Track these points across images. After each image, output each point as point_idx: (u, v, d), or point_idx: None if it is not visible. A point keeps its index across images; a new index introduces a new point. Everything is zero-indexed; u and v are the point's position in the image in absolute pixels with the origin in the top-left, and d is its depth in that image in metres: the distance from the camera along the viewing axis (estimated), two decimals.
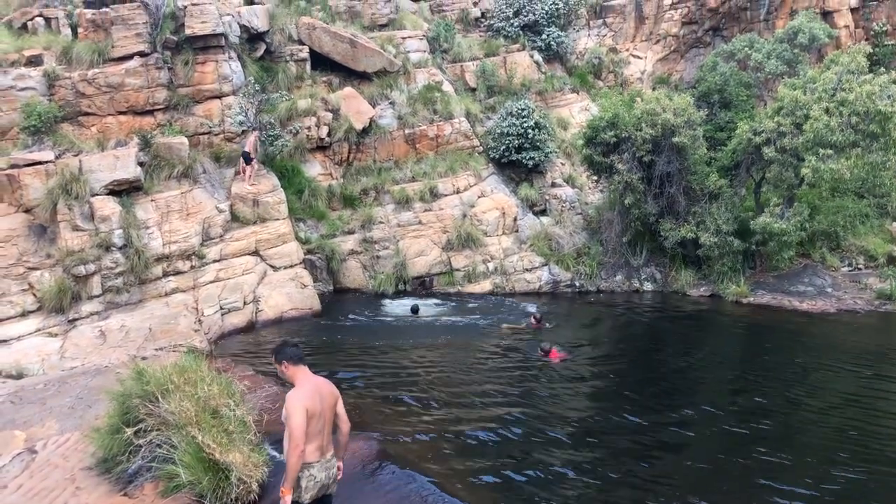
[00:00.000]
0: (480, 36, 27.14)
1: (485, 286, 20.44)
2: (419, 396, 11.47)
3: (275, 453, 8.56)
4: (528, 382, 12.56)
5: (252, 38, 21.86)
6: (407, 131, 22.71)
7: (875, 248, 20.48)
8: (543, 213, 22.50)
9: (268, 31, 22.22)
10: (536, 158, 22.73)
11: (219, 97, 20.18)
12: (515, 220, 21.74)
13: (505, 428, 10.06)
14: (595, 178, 22.58)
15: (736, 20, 28.75)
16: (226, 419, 8.20)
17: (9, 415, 10.61)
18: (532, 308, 17.91)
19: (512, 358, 14.19)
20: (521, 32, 26.59)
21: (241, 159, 19.32)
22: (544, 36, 26.68)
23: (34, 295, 15.81)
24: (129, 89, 19.08)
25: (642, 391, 12.30)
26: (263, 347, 15.40)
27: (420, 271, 20.54)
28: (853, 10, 27.56)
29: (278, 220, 19.08)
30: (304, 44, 22.98)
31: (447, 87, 24.14)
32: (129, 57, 19.30)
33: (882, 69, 19.64)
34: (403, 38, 24.55)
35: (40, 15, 20.34)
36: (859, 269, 20.35)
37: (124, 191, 17.38)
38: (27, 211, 16.76)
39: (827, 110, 17.92)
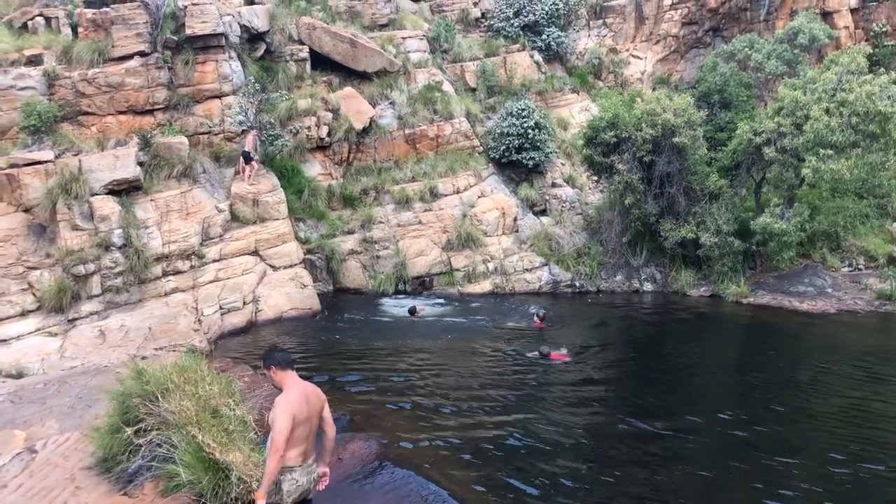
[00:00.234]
0: (480, 36, 27.16)
1: (485, 286, 20.43)
2: (418, 397, 11.46)
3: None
4: (527, 384, 12.53)
5: (252, 37, 21.86)
6: (407, 131, 22.71)
7: (875, 249, 20.48)
8: (543, 213, 22.50)
9: (268, 30, 22.22)
10: (536, 158, 22.73)
11: (219, 97, 20.17)
12: (515, 220, 21.73)
13: (504, 430, 10.04)
14: (595, 178, 22.58)
15: (736, 20, 28.75)
16: (226, 418, 8.19)
17: (8, 414, 10.60)
18: (533, 309, 17.89)
19: (512, 359, 14.17)
20: (521, 32, 26.59)
21: (241, 159, 19.32)
22: (544, 36, 26.69)
23: (34, 294, 15.80)
24: (129, 89, 19.07)
25: (642, 393, 12.29)
26: (263, 347, 15.38)
27: (420, 271, 20.54)
28: (853, 11, 27.56)
29: (278, 219, 19.07)
30: (304, 44, 22.98)
31: (447, 87, 24.14)
32: (130, 56, 19.29)
33: (882, 70, 19.64)
34: (403, 38, 24.55)
35: (40, 14, 20.33)
36: (859, 269, 20.35)
37: (124, 190, 17.37)
38: (27, 210, 16.74)
39: (827, 111, 17.93)
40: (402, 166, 22.38)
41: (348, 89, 22.71)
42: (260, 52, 22.16)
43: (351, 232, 20.84)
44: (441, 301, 19.38)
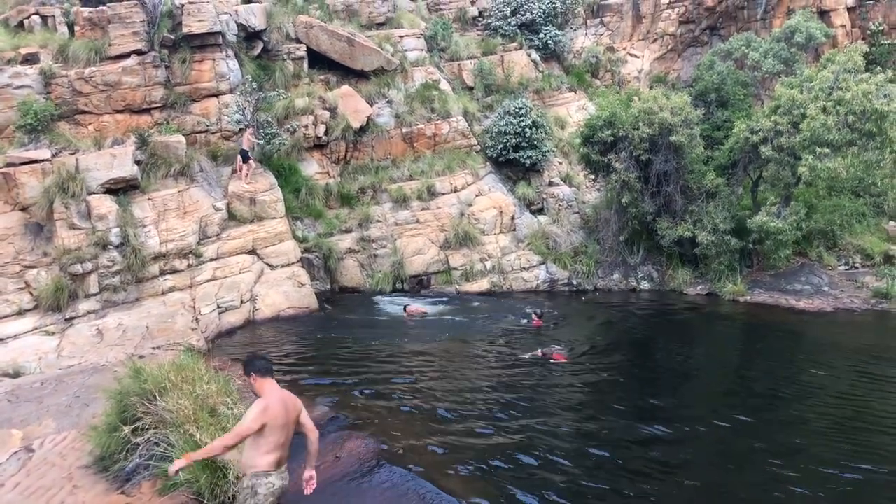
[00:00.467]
0: (478, 35, 27.16)
1: (482, 285, 20.44)
2: (416, 397, 11.46)
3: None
4: (525, 384, 12.52)
5: (249, 36, 21.84)
6: (404, 130, 22.71)
7: (871, 247, 20.53)
8: (541, 211, 22.52)
9: (265, 29, 22.20)
10: (534, 157, 22.74)
11: (216, 95, 20.15)
12: (513, 218, 21.75)
13: (502, 430, 10.05)
14: (592, 176, 22.60)
15: (733, 19, 28.77)
16: (223, 417, 8.21)
17: (6, 413, 10.59)
18: (529, 308, 17.90)
19: (510, 359, 14.16)
20: (518, 31, 26.60)
21: (239, 157, 19.30)
22: (542, 35, 26.70)
23: (31, 293, 15.79)
24: (126, 88, 19.04)
25: (639, 394, 12.28)
26: (261, 346, 15.41)
27: (418, 270, 20.54)
28: (850, 10, 27.60)
29: (275, 218, 19.07)
30: (301, 42, 22.95)
31: (445, 85, 24.14)
32: (127, 55, 19.26)
33: (878, 68, 19.69)
34: (401, 37, 24.54)
35: (37, 13, 20.29)
36: (856, 267, 20.40)
37: (121, 189, 17.36)
38: (23, 209, 16.72)
39: (824, 109, 17.96)
40: (400, 165, 22.39)
41: (346, 88, 22.70)
42: (257, 51, 22.14)
43: (348, 231, 20.84)
44: (434, 300, 19.36)
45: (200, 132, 19.95)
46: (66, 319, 15.61)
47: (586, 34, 30.31)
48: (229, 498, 7.56)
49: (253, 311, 17.48)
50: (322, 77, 23.01)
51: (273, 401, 6.22)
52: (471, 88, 25.14)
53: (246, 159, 19.23)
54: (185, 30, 19.50)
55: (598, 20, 30.86)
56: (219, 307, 17.04)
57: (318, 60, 23.15)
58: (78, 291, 15.93)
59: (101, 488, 8.13)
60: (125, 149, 17.75)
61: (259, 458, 6.17)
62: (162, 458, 7.80)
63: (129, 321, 15.76)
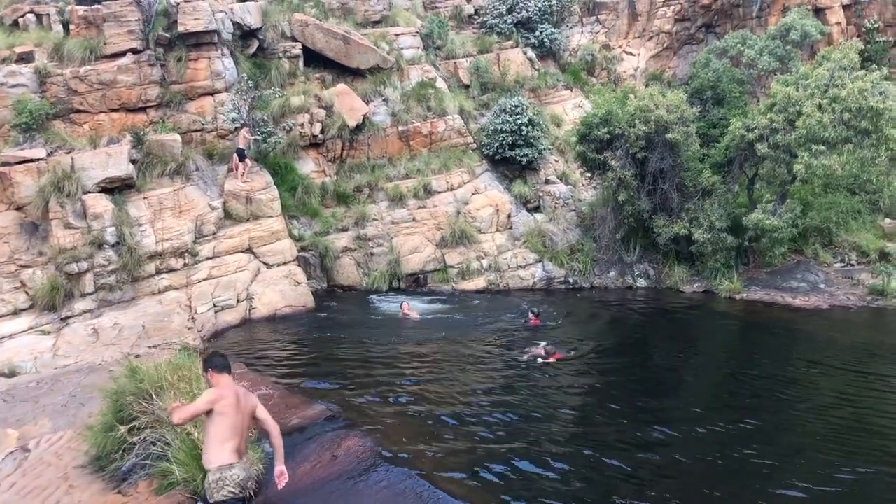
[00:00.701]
0: (474, 33, 27.14)
1: (479, 283, 20.45)
2: (413, 395, 11.46)
3: (272, 450, 8.56)
4: (522, 384, 12.51)
5: (245, 34, 21.80)
6: (400, 128, 22.70)
7: (867, 244, 20.55)
8: (537, 209, 22.52)
9: (261, 27, 22.17)
10: (530, 155, 22.75)
11: (211, 94, 20.11)
12: (509, 216, 21.75)
13: (499, 429, 10.04)
14: (588, 174, 22.59)
15: (728, 17, 28.79)
16: None
17: (1, 413, 10.58)
18: (525, 305, 17.90)
19: (506, 358, 14.17)
20: (514, 29, 26.60)
21: (235, 156, 19.27)
22: (537, 33, 26.71)
23: (26, 293, 15.76)
24: (122, 86, 18.99)
25: (636, 393, 12.26)
26: (257, 345, 15.39)
27: (414, 268, 20.54)
28: (845, 7, 27.63)
29: (271, 217, 19.04)
30: (297, 40, 22.93)
31: (441, 83, 24.13)
32: (122, 54, 19.21)
33: (874, 66, 19.73)
34: (397, 35, 24.53)
35: (31, 11, 20.23)
36: (851, 264, 20.43)
37: (117, 188, 17.32)
38: (19, 209, 16.69)
39: (819, 107, 17.98)
40: (396, 163, 22.38)
41: (341, 86, 22.68)
42: (253, 49, 22.11)
43: (345, 229, 20.83)
44: (429, 298, 19.36)
45: (196, 131, 19.92)
46: (61, 319, 15.58)
47: (582, 32, 30.30)
48: None
49: (249, 310, 17.46)
50: (318, 75, 22.99)
51: (222, 391, 6.54)
52: (467, 86, 25.13)
53: (242, 158, 19.20)
54: (180, 28, 19.46)
55: (593, 18, 30.85)
56: (215, 306, 17.02)
57: (314, 59, 23.13)
58: (74, 291, 15.89)
59: (97, 488, 8.11)
60: (121, 148, 17.71)
61: (219, 450, 6.40)
62: (158, 458, 7.79)
63: (125, 320, 15.73)
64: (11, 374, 13.34)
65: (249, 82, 20.32)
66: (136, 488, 7.89)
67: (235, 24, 21.19)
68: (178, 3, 19.57)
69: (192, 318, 16.42)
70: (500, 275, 20.65)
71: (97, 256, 16.22)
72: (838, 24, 27.22)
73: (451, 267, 20.63)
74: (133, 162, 17.74)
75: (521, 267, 20.88)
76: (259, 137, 19.98)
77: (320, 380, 12.37)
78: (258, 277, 18.13)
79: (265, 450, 8.50)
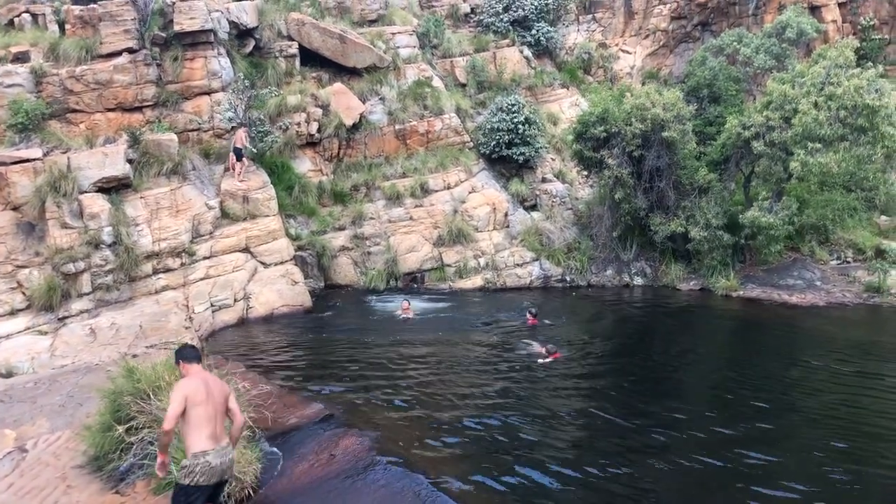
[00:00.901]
0: (470, 31, 27.15)
1: (476, 281, 20.46)
2: (411, 394, 11.47)
3: (271, 449, 8.57)
4: (519, 382, 12.51)
5: (241, 34, 21.79)
6: (397, 127, 22.69)
7: (863, 242, 20.59)
8: (534, 208, 22.54)
9: (257, 26, 22.15)
10: (527, 154, 22.76)
11: (208, 93, 20.09)
12: (506, 215, 21.76)
13: (497, 428, 10.05)
14: (585, 173, 22.62)
15: (724, 15, 28.84)
16: None
17: None
18: (525, 304, 17.89)
19: (504, 357, 14.17)
20: (510, 28, 26.61)
21: (232, 155, 19.25)
22: (534, 31, 26.72)
23: (23, 293, 15.73)
24: (118, 86, 18.97)
25: (633, 392, 12.25)
26: (255, 344, 15.39)
27: (411, 267, 20.54)
28: (841, 5, 27.69)
29: (268, 216, 19.03)
30: (293, 40, 22.92)
31: (437, 82, 24.13)
32: (118, 53, 19.18)
33: (869, 63, 19.76)
34: (393, 34, 24.52)
35: (27, 11, 20.20)
36: (848, 262, 20.47)
37: (113, 188, 17.30)
38: (15, 209, 16.66)
39: (815, 104, 18.01)
40: (393, 162, 22.37)
41: (338, 85, 22.68)
42: (249, 49, 22.09)
43: (342, 228, 20.83)
44: (427, 297, 19.36)
45: (192, 130, 19.89)
46: (58, 319, 15.56)
47: (578, 30, 30.35)
48: (224, 496, 7.56)
49: (246, 310, 17.45)
50: (314, 74, 22.98)
51: (191, 380, 6.74)
52: (463, 85, 25.14)
53: (240, 157, 19.19)
54: (176, 28, 19.42)
55: (590, 16, 30.91)
56: (212, 305, 17.01)
57: (311, 58, 23.12)
58: (70, 291, 15.87)
59: (95, 488, 8.11)
60: (117, 147, 17.68)
61: (193, 438, 6.54)
62: (156, 458, 7.78)
63: (123, 320, 15.72)
64: (9, 375, 13.33)
65: (246, 81, 20.30)
66: (133, 488, 7.90)
67: (231, 23, 21.18)
68: (173, 3, 19.54)
69: (190, 317, 16.41)
70: (497, 273, 20.66)
71: (94, 256, 16.20)
72: (834, 21, 27.28)
73: (449, 266, 20.64)
74: (129, 161, 17.71)
75: (518, 265, 20.89)
76: (252, 140, 19.91)
77: (318, 379, 12.38)
78: (255, 277, 18.12)
79: (263, 450, 8.52)
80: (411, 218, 21.15)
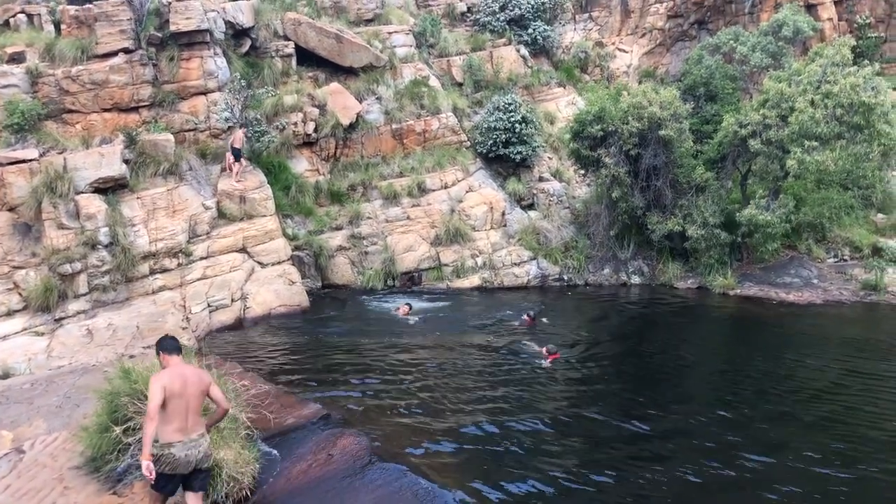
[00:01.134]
0: (467, 30, 27.13)
1: (473, 281, 20.45)
2: (408, 394, 11.47)
3: (269, 449, 8.55)
4: (518, 382, 12.50)
5: (237, 33, 21.75)
6: (394, 126, 22.67)
7: (860, 240, 20.61)
8: (531, 207, 22.53)
9: (253, 26, 22.11)
10: (524, 153, 22.74)
11: (204, 93, 20.04)
12: (503, 214, 21.75)
13: (494, 427, 10.06)
14: (582, 171, 22.61)
15: (721, 13, 28.88)
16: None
17: None
18: (526, 304, 17.87)
19: (503, 357, 14.17)
20: (507, 27, 26.58)
21: (231, 155, 19.20)
22: (530, 30, 26.71)
23: (20, 294, 15.70)
24: (114, 86, 18.92)
25: (630, 391, 12.28)
26: (252, 344, 15.38)
27: (408, 267, 20.53)
28: (837, 3, 27.76)
29: (265, 216, 19.01)
30: (289, 39, 22.87)
31: (434, 81, 24.10)
32: (114, 54, 19.13)
33: (866, 61, 19.75)
34: (389, 33, 24.48)
35: (22, 11, 20.14)
36: (845, 260, 20.49)
37: (110, 188, 17.26)
38: (11, 209, 16.61)
39: (812, 102, 18.02)
40: (390, 162, 22.34)
41: (334, 85, 22.65)
42: (245, 48, 22.05)
43: (339, 228, 20.80)
44: (425, 297, 19.34)
45: (189, 130, 19.85)
46: (55, 320, 15.53)
47: (575, 29, 30.36)
48: (222, 497, 7.55)
49: (244, 310, 17.43)
50: (311, 74, 22.94)
51: (168, 373, 6.89)
52: (460, 84, 25.12)
53: (238, 157, 19.17)
54: (172, 27, 19.37)
55: (586, 15, 30.94)
56: (209, 306, 16.99)
57: (307, 57, 23.08)
58: (67, 291, 15.84)
59: (92, 489, 8.09)
60: (113, 148, 17.64)
61: (164, 429, 6.71)
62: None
63: (120, 321, 15.70)
64: (5, 376, 13.29)
65: (242, 81, 20.25)
66: (131, 489, 7.89)
67: (227, 22, 21.12)
68: (169, 3, 19.47)
69: (187, 318, 16.39)
70: (494, 272, 20.65)
71: (91, 257, 16.17)
72: (830, 20, 27.33)
73: (446, 265, 20.62)
74: (126, 162, 17.68)
75: (515, 264, 20.89)
76: (248, 140, 19.86)
77: (316, 378, 12.38)
78: (252, 277, 18.10)
79: (261, 450, 8.50)
80: (408, 217, 21.14)
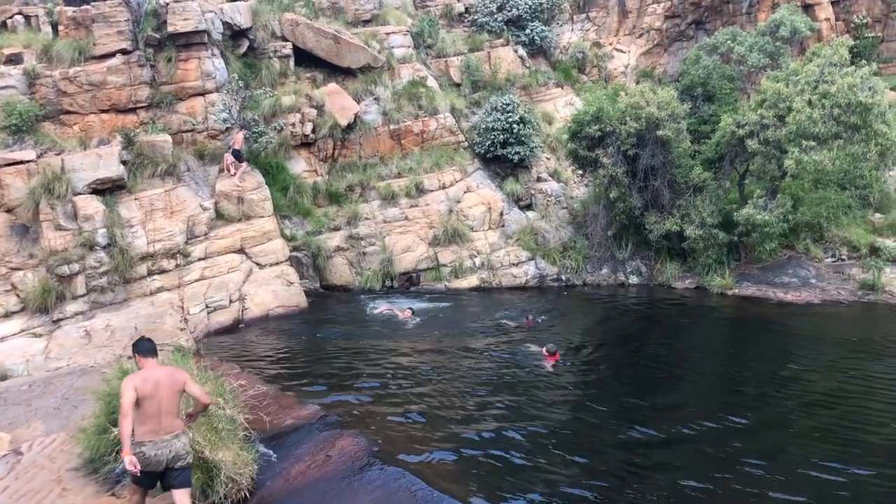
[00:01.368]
0: (464, 31, 27.14)
1: (472, 281, 20.46)
2: (407, 395, 11.47)
3: (267, 451, 8.56)
4: (517, 384, 12.47)
5: (235, 34, 21.73)
6: (392, 127, 22.67)
7: (858, 239, 20.60)
8: (529, 207, 22.54)
9: (251, 27, 22.10)
10: (522, 153, 22.75)
11: (202, 94, 20.03)
12: (501, 214, 21.76)
13: (494, 429, 10.05)
14: (580, 172, 22.62)
15: (718, 13, 28.89)
16: (215, 417, 8.18)
17: None
18: (528, 308, 17.86)
19: (501, 358, 14.16)
20: (504, 27, 26.59)
21: (228, 156, 19.20)
22: (528, 31, 26.72)
23: (17, 295, 15.68)
24: (112, 87, 18.90)
25: (627, 393, 12.20)
26: (250, 345, 15.37)
27: (407, 267, 20.52)
28: (834, 3, 27.79)
29: (263, 217, 19.00)
30: (287, 40, 22.86)
31: (432, 82, 24.11)
32: (111, 55, 19.11)
33: (863, 61, 19.77)
34: (387, 34, 24.48)
35: (20, 13, 20.11)
36: (842, 259, 20.49)
37: (107, 189, 17.25)
38: (9, 211, 16.60)
39: (809, 102, 18.03)
40: (388, 162, 22.34)
41: (332, 85, 22.65)
42: (243, 49, 22.04)
43: (337, 229, 20.80)
44: (424, 297, 19.34)
45: (187, 131, 19.84)
46: (53, 321, 15.52)
47: (572, 30, 30.35)
48: (221, 498, 7.55)
49: (242, 311, 17.43)
50: (308, 75, 22.94)
51: (140, 375, 7.03)
52: (458, 85, 25.12)
53: (239, 159, 19.17)
54: (169, 28, 19.36)
55: (584, 15, 30.92)
56: (207, 307, 16.99)
57: (305, 58, 23.08)
58: (65, 293, 15.83)
59: (90, 491, 8.10)
60: (111, 149, 17.63)
61: (137, 429, 6.84)
62: None
63: (117, 322, 15.69)
64: (3, 378, 13.30)
65: (240, 82, 20.24)
66: (129, 490, 7.86)
67: (225, 23, 21.10)
68: (167, 4, 19.47)
69: (185, 319, 16.38)
70: (492, 273, 20.66)
71: (88, 258, 16.15)
72: (827, 20, 27.38)
73: (444, 265, 20.62)
74: (124, 163, 17.67)
75: (513, 265, 20.89)
76: (246, 141, 19.85)
77: (314, 380, 12.37)
78: (250, 278, 18.09)
79: (260, 451, 8.51)
80: (406, 218, 21.14)
